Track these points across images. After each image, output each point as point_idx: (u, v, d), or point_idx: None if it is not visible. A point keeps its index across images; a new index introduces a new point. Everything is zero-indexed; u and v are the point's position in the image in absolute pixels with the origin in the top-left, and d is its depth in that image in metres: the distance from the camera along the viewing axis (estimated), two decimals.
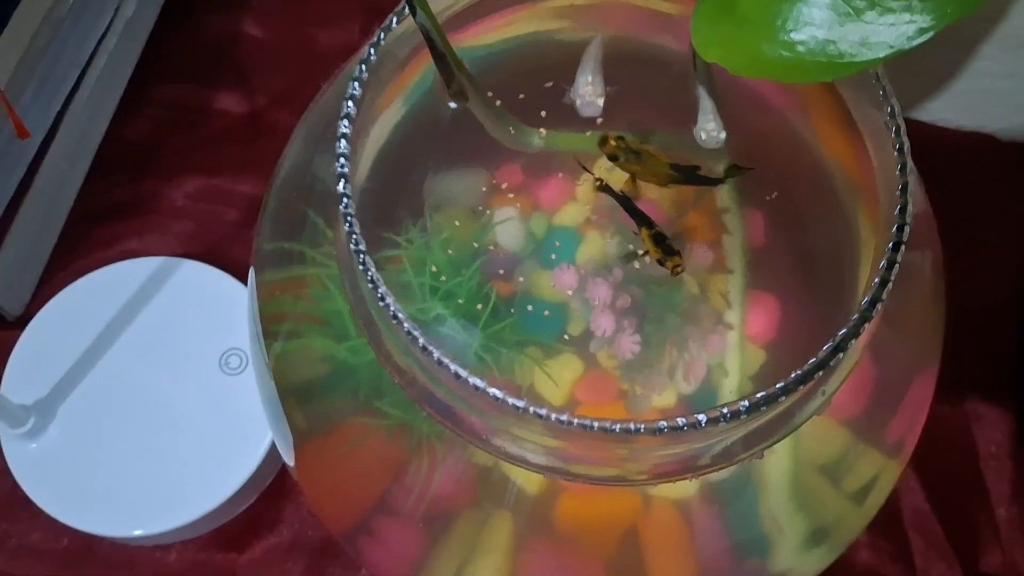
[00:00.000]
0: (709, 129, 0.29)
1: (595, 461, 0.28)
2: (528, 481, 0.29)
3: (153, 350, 0.43)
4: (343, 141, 0.25)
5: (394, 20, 0.26)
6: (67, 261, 0.47)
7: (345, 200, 0.24)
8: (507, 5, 0.32)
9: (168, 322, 0.44)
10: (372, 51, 0.26)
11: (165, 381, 0.43)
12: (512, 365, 0.30)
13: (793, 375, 0.24)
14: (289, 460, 0.31)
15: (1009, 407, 0.46)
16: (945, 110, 0.51)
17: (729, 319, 0.30)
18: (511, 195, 0.31)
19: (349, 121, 0.25)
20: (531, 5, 0.33)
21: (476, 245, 0.31)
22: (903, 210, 0.25)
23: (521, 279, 0.30)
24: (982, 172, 0.51)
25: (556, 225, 0.31)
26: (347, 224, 0.24)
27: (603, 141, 0.29)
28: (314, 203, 0.31)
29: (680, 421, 0.23)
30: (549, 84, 0.32)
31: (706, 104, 0.29)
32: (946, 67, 0.49)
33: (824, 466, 0.31)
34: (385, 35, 0.26)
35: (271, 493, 0.43)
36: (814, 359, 0.24)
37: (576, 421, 0.24)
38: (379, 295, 0.24)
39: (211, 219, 0.48)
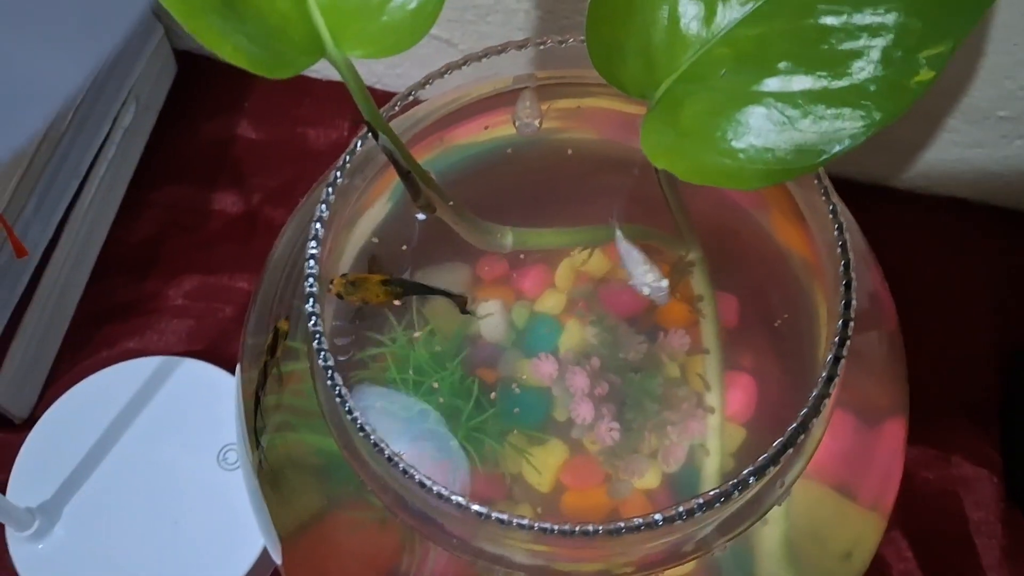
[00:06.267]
0: (649, 282, 0.30)
1: (580, 558, 0.28)
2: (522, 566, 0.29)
3: (154, 447, 0.44)
4: (311, 261, 0.26)
5: (358, 143, 0.27)
6: (72, 362, 0.48)
7: (314, 318, 0.25)
8: (501, 105, 0.33)
9: (168, 420, 0.44)
10: (339, 174, 0.27)
11: (166, 477, 0.43)
12: (496, 455, 0.30)
13: (759, 460, 0.25)
14: (277, 559, 0.32)
15: (996, 470, 0.46)
16: (919, 179, 0.52)
17: (709, 401, 0.31)
18: (492, 286, 0.32)
19: (317, 243, 0.26)
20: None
21: (459, 338, 0.31)
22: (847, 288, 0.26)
23: (503, 370, 0.31)
24: (956, 234, 0.52)
25: (537, 314, 0.32)
26: (316, 340, 0.25)
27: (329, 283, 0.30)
28: (300, 298, 0.30)
29: (637, 521, 0.24)
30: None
31: (634, 255, 0.30)
32: (916, 139, 0.50)
33: (813, 530, 0.31)
34: (350, 159, 0.27)
35: None
36: (764, 456, 0.25)
37: (556, 528, 0.24)
38: (356, 423, 0.25)
39: (210, 317, 0.49)
